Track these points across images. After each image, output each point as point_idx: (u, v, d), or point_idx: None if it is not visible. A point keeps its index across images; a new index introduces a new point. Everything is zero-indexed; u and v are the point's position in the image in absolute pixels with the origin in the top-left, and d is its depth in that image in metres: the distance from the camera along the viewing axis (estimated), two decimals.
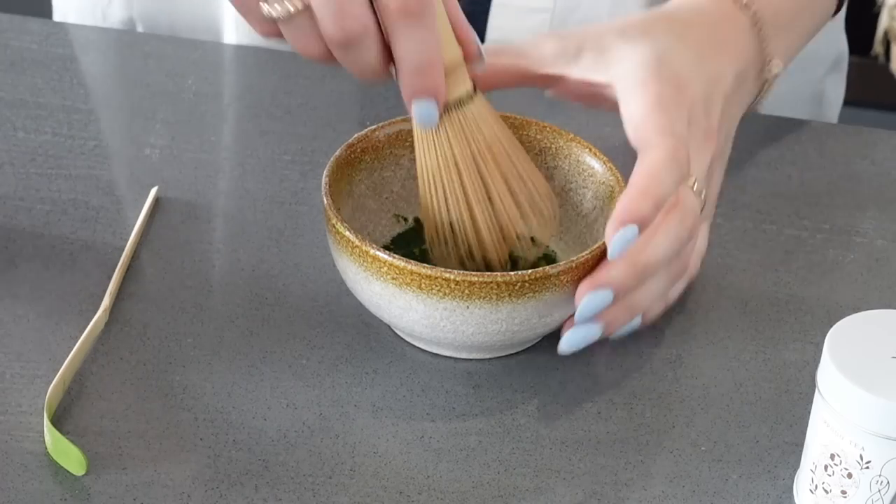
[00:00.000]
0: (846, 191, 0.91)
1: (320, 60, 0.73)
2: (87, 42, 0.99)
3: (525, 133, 0.81)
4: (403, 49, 0.71)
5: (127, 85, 0.95)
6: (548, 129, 0.81)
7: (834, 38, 1.09)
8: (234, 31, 1.03)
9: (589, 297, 0.73)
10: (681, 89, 0.79)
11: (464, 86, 0.74)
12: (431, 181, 0.76)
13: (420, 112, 0.73)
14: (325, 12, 0.70)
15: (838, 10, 0.92)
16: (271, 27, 0.72)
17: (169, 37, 1.01)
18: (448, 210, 0.76)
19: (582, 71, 0.81)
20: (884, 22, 1.95)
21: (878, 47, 1.97)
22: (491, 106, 0.76)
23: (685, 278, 0.80)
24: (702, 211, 0.78)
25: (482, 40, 0.98)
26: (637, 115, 0.77)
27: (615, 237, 0.73)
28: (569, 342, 0.75)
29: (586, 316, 0.74)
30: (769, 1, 0.86)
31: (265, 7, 0.71)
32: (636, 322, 0.76)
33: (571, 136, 0.80)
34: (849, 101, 1.15)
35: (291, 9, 0.70)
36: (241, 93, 0.96)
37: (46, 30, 0.99)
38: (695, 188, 0.77)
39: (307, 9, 0.70)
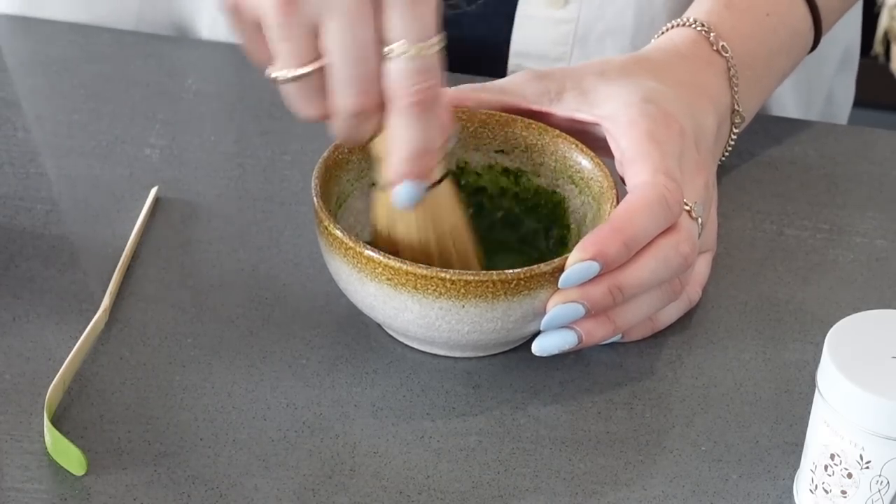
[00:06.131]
0: (846, 191, 0.91)
1: (312, 121, 0.71)
2: (87, 42, 0.98)
3: (510, 130, 0.81)
4: (405, 136, 0.70)
5: (127, 85, 0.95)
6: (533, 125, 0.81)
7: (836, 34, 1.05)
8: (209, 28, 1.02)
9: (558, 310, 0.73)
10: (670, 126, 0.78)
11: (440, 167, 0.73)
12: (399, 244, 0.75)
13: (405, 193, 0.71)
14: (344, 82, 0.68)
15: (815, 46, 0.90)
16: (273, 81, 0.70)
17: (169, 37, 1.01)
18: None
19: (566, 110, 0.80)
20: (884, 22, 1.95)
21: (878, 47, 1.97)
22: (454, 188, 0.75)
23: (681, 304, 0.79)
24: (699, 236, 0.78)
25: (506, 52, 0.97)
26: (628, 153, 0.77)
27: (574, 267, 0.72)
28: (542, 346, 0.74)
29: (552, 325, 0.73)
30: (745, 48, 0.85)
31: (268, 70, 0.69)
32: (617, 336, 0.76)
33: (557, 132, 0.80)
34: None
35: (299, 71, 0.68)
36: (241, 93, 0.96)
37: (47, 30, 0.99)
38: (692, 214, 0.77)
39: (318, 72, 0.68)
